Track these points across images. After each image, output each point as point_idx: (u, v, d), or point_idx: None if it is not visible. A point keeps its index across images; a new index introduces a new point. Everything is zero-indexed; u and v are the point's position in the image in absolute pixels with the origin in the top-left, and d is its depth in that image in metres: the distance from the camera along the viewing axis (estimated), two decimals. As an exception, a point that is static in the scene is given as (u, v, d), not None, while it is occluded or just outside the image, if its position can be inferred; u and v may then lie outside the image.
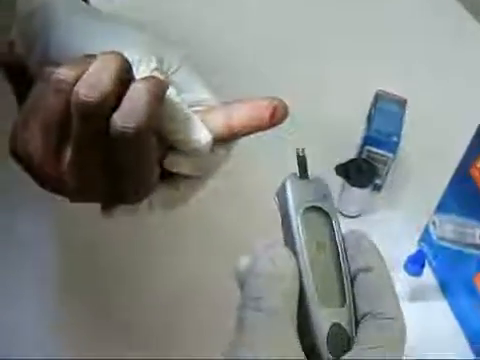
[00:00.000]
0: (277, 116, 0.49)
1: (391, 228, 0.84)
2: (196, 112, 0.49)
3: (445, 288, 0.79)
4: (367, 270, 0.40)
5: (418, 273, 0.74)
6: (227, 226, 0.79)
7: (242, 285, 0.40)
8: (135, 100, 0.44)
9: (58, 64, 0.46)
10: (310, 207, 0.42)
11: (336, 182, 0.83)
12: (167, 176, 0.50)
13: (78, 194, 0.47)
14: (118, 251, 0.75)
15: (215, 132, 0.49)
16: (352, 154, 0.88)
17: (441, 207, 0.78)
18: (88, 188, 0.47)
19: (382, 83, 0.93)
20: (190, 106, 0.50)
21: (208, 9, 1.09)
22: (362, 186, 0.81)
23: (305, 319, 0.39)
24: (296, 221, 0.41)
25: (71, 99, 0.44)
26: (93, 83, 0.43)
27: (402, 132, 0.85)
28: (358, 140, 0.88)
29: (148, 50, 0.50)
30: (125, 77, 0.45)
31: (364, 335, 0.38)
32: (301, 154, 0.43)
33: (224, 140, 0.50)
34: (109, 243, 0.75)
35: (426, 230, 0.81)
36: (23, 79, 0.52)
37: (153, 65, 0.49)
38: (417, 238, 0.83)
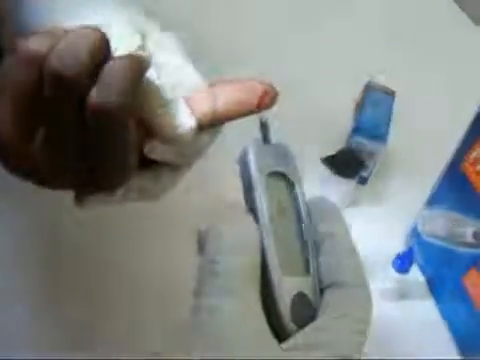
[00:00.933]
0: (266, 100, 0.46)
1: (377, 223, 0.81)
2: (179, 95, 0.46)
3: (432, 287, 0.76)
4: (330, 237, 0.39)
5: (406, 270, 0.71)
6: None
7: (202, 249, 0.39)
8: (113, 75, 0.40)
9: (30, 36, 0.42)
10: (273, 172, 0.41)
11: (323, 173, 0.79)
12: (146, 164, 0.47)
13: (50, 179, 0.44)
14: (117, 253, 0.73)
15: (199, 117, 0.45)
16: (340, 145, 0.85)
17: (430, 202, 0.76)
18: (60, 172, 0.43)
19: (373, 74, 0.91)
20: (173, 89, 0.46)
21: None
22: (348, 177, 0.78)
23: (267, 288, 0.38)
24: (258, 186, 0.40)
25: (44, 71, 0.40)
26: (68, 54, 0.40)
27: (390, 124, 0.83)
28: (346, 131, 0.85)
29: (131, 25, 0.46)
30: (103, 53, 0.42)
31: (329, 304, 0.38)
32: (264, 120, 0.43)
33: (209, 125, 0.46)
34: (107, 244, 0.73)
35: (414, 226, 0.78)
36: None
37: (136, 42, 0.46)
38: (404, 234, 0.81)
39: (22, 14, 0.48)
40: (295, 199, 0.41)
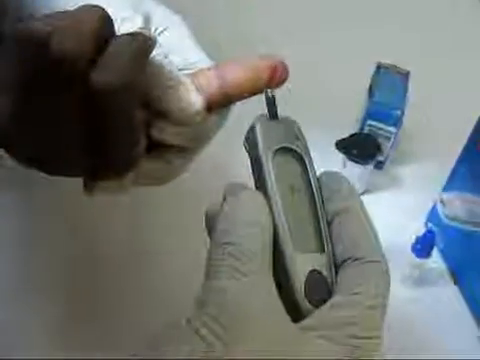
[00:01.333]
0: (277, 77, 0.44)
1: (395, 208, 0.79)
2: (186, 75, 0.44)
3: (454, 271, 0.74)
4: (344, 212, 0.38)
5: (427, 255, 0.69)
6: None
7: (210, 231, 0.38)
8: (115, 54, 0.39)
9: (30, 19, 0.40)
10: (281, 148, 0.40)
11: (337, 158, 0.78)
12: (154, 148, 0.45)
13: (55, 166, 0.42)
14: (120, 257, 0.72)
15: (208, 97, 0.44)
16: (353, 129, 0.83)
17: (450, 185, 0.73)
18: (65, 158, 0.41)
19: (383, 54, 0.88)
20: (180, 69, 0.44)
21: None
22: (364, 162, 0.76)
23: (280, 267, 0.37)
24: (267, 163, 0.39)
25: (45, 53, 0.38)
26: (70, 33, 0.38)
27: (406, 105, 0.80)
28: (360, 114, 0.83)
29: (133, 8, 0.45)
30: (106, 32, 0.40)
31: (345, 281, 0.36)
32: (270, 95, 0.41)
33: (218, 105, 0.45)
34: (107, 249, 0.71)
35: (433, 209, 0.76)
36: None
37: (138, 24, 0.44)
38: (423, 218, 0.78)
39: (24, 3, 0.46)
40: (306, 174, 0.39)
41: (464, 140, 0.70)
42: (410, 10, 1.06)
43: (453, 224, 0.73)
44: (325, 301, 0.36)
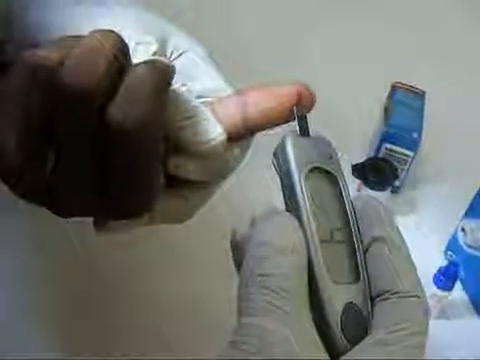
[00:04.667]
0: (303, 105, 0.40)
1: (412, 235, 0.75)
2: (205, 104, 0.41)
3: (477, 302, 0.70)
4: (382, 240, 0.35)
5: (449, 287, 0.66)
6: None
7: (239, 258, 0.35)
8: (136, 87, 0.35)
9: (38, 46, 0.36)
10: (314, 168, 0.37)
11: (352, 183, 0.74)
12: (171, 182, 0.41)
13: (66, 207, 0.38)
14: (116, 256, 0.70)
15: (229, 128, 0.40)
16: (370, 153, 0.80)
17: (471, 211, 0.70)
18: (78, 200, 0.37)
19: (397, 75, 0.85)
20: (198, 97, 0.41)
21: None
22: (381, 188, 0.73)
23: (315, 299, 0.34)
24: (300, 183, 0.36)
25: (56, 86, 0.34)
26: (83, 64, 0.34)
27: (423, 127, 0.77)
28: (373, 137, 0.80)
29: (147, 31, 0.41)
30: (122, 61, 0.36)
31: (385, 316, 0.34)
32: (300, 111, 0.39)
33: (239, 137, 0.41)
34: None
35: (454, 237, 0.73)
36: None
37: (153, 48, 0.40)
38: (443, 247, 0.75)
39: (31, 17, 0.44)
40: (340, 197, 0.36)
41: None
42: (424, 29, 1.04)
43: (474, 253, 0.70)
44: (360, 336, 0.33)
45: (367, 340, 0.33)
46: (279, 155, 0.37)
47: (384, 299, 0.34)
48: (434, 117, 0.80)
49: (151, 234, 0.55)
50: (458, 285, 0.71)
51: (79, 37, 0.36)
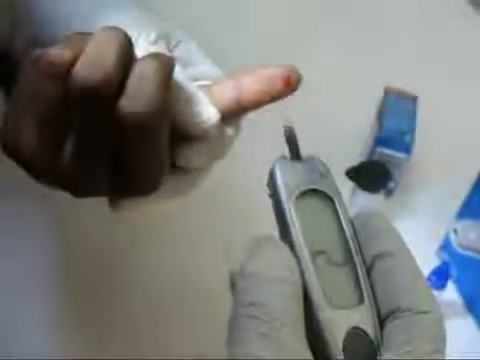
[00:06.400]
0: (291, 84, 0.44)
1: (406, 236, 0.76)
2: (201, 87, 0.44)
3: (470, 302, 0.71)
4: (385, 256, 0.33)
5: (442, 286, 0.67)
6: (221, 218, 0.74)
7: (234, 289, 0.34)
8: (143, 81, 0.39)
9: (47, 45, 0.40)
10: (306, 191, 0.36)
11: (346, 187, 0.75)
12: (171, 164, 0.45)
13: (81, 189, 0.42)
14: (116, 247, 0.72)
15: (224, 108, 0.44)
16: (362, 156, 0.81)
17: (463, 212, 0.71)
18: (92, 183, 0.41)
19: (389, 79, 0.86)
20: (195, 80, 0.45)
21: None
22: (374, 190, 0.74)
23: (314, 328, 0.32)
24: (289, 210, 0.35)
25: (69, 84, 0.38)
26: (94, 63, 0.38)
27: (415, 131, 0.79)
28: (368, 141, 0.81)
29: (147, 24, 0.45)
30: (128, 56, 0.40)
31: (393, 338, 0.31)
32: (290, 133, 0.38)
33: (232, 117, 0.45)
34: (105, 240, 0.72)
35: (446, 238, 0.74)
36: (3, 65, 0.46)
37: (152, 38, 0.44)
38: (436, 248, 0.76)
39: (38, 16, 0.46)
40: (337, 217, 0.35)
41: (477, 165, 0.68)
42: (417, 34, 1.04)
43: (467, 253, 0.71)
44: None
45: None
46: (269, 183, 0.37)
47: (393, 319, 0.32)
48: (426, 121, 0.82)
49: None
50: (451, 286, 0.72)
51: (87, 35, 0.40)
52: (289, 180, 0.36)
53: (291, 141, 0.38)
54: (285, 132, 0.38)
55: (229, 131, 0.45)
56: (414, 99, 0.84)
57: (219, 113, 0.43)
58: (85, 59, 0.38)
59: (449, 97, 0.91)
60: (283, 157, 0.37)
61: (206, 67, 0.46)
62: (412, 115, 0.81)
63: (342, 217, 0.35)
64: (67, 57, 0.38)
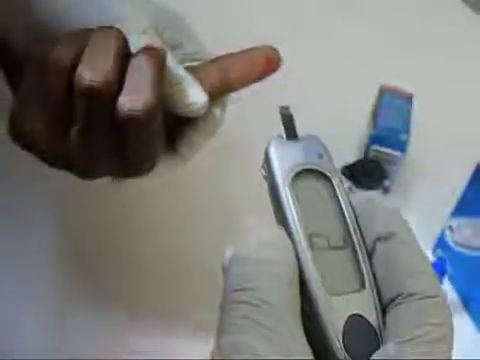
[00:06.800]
0: (271, 64, 0.48)
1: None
2: (190, 68, 0.48)
3: (466, 300, 0.72)
4: (387, 237, 0.31)
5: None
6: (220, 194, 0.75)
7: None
8: (139, 79, 0.43)
9: (49, 40, 0.44)
10: (302, 171, 0.34)
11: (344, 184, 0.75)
12: (168, 146, 0.50)
13: (87, 173, 0.47)
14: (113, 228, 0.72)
15: (211, 89, 0.47)
16: (358, 154, 0.81)
17: (458, 210, 0.71)
18: (96, 167, 0.46)
19: (385, 77, 0.86)
20: (183, 61, 0.49)
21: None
22: (370, 188, 0.74)
23: (311, 315, 0.30)
24: (284, 191, 0.33)
25: (75, 83, 0.42)
26: (96, 65, 0.42)
27: (410, 129, 0.79)
28: (363, 139, 0.81)
29: (137, 11, 0.48)
30: (125, 54, 0.44)
31: (396, 324, 0.30)
32: (285, 113, 0.36)
33: (219, 96, 0.49)
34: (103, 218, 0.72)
35: (442, 236, 0.74)
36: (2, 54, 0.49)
37: (143, 27, 0.47)
38: (432, 245, 0.76)
39: (37, 6, 0.47)
40: (335, 198, 0.33)
41: (472, 163, 0.68)
42: (413, 31, 1.04)
43: (462, 250, 0.71)
44: (370, 351, 0.29)
45: (377, 355, 0.29)
46: (264, 163, 0.35)
47: (396, 304, 0.30)
48: (422, 118, 0.82)
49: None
50: (447, 283, 0.72)
51: (85, 32, 0.44)
52: (285, 160, 0.34)
53: (287, 120, 0.36)
54: (280, 110, 0.37)
55: (217, 110, 0.49)
56: (410, 97, 0.84)
57: (207, 95, 0.46)
58: (87, 61, 0.42)
59: (444, 95, 0.91)
60: (279, 136, 0.36)
61: (194, 48, 0.50)
62: (407, 113, 0.82)
63: (341, 198, 0.33)
64: (70, 55, 0.43)
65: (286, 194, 0.33)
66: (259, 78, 0.48)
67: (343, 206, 0.33)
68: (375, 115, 0.82)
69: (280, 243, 0.32)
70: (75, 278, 0.69)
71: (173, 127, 0.48)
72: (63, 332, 0.65)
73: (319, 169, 0.34)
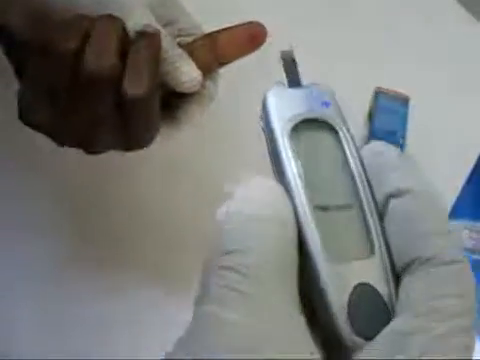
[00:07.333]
0: (258, 39, 0.51)
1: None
2: (184, 44, 0.51)
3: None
4: (402, 194, 0.27)
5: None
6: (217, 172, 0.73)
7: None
8: (139, 63, 0.46)
9: (49, 27, 0.46)
10: (304, 121, 0.30)
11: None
12: (167, 114, 0.53)
13: (91, 148, 0.50)
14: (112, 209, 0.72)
15: (202, 65, 0.50)
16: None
17: (454, 213, 0.71)
18: (100, 142, 0.50)
19: (381, 80, 0.86)
20: (177, 36, 0.52)
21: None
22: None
23: (312, 285, 0.27)
24: (283, 142, 0.29)
25: (80, 70, 0.45)
26: (100, 53, 0.45)
27: (406, 132, 0.78)
28: (359, 142, 0.81)
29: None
30: (125, 42, 0.47)
31: (411, 295, 0.25)
32: (288, 57, 0.33)
33: (210, 71, 0.52)
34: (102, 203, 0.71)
35: (438, 239, 0.73)
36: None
37: (141, 2, 0.50)
38: (428, 248, 0.75)
39: None
40: (342, 151, 0.30)
41: (467, 166, 0.68)
42: (409, 34, 1.04)
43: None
44: (379, 326, 0.25)
45: (387, 330, 0.25)
46: (262, 113, 0.32)
47: (411, 272, 0.26)
48: (418, 122, 0.81)
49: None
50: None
51: (85, 18, 0.47)
52: (284, 109, 0.31)
53: (288, 65, 0.33)
54: (282, 55, 0.34)
55: (210, 84, 0.53)
56: (406, 100, 0.84)
57: (200, 73, 0.50)
58: (92, 50, 0.45)
59: (441, 98, 0.91)
60: (280, 83, 0.32)
61: (187, 24, 0.52)
62: (403, 116, 0.81)
63: (348, 151, 0.30)
64: (73, 45, 0.45)
65: (285, 146, 0.29)
66: (247, 52, 0.52)
67: (350, 160, 0.30)
68: (371, 118, 0.81)
69: (277, 200, 0.28)
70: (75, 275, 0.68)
71: (170, 100, 0.52)
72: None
73: (323, 119, 0.31)
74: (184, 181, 0.70)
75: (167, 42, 0.49)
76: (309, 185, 0.28)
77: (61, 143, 0.50)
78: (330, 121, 0.31)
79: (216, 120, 0.65)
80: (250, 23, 0.52)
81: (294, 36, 0.99)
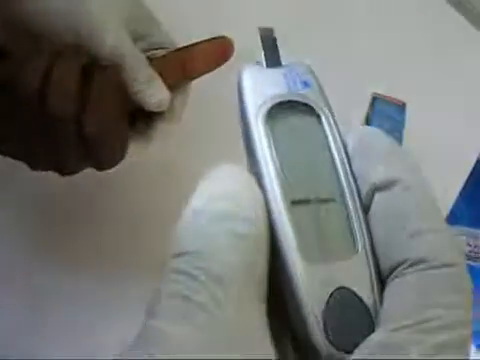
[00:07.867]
0: (226, 55, 0.52)
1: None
2: (154, 58, 0.52)
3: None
4: (389, 186, 0.24)
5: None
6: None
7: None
8: (98, 101, 0.47)
9: (14, 62, 0.47)
10: (281, 104, 0.27)
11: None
12: (137, 131, 0.54)
13: (64, 173, 0.51)
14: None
15: (172, 81, 0.52)
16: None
17: (451, 218, 0.71)
18: (73, 168, 0.51)
19: (377, 85, 0.86)
20: (149, 49, 0.53)
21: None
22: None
23: (287, 291, 0.23)
24: (256, 127, 0.26)
25: (43, 109, 0.46)
26: (61, 96, 0.46)
27: (403, 137, 0.78)
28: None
29: (106, 5, 0.50)
30: (89, 73, 0.47)
31: (397, 303, 0.22)
32: (267, 35, 0.29)
33: (179, 86, 0.53)
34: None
35: (434, 245, 0.73)
36: None
37: (112, 19, 0.49)
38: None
39: (13, 5, 0.49)
40: (324, 137, 0.27)
41: (465, 172, 0.68)
42: (406, 40, 1.04)
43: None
44: (360, 336, 0.22)
45: (368, 342, 0.21)
46: (238, 95, 0.28)
47: (398, 275, 0.23)
48: (415, 127, 0.81)
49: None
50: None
51: (52, 54, 0.47)
52: (259, 90, 0.27)
53: (268, 44, 0.30)
54: (261, 32, 0.30)
55: (180, 99, 0.54)
56: (403, 106, 0.84)
57: (169, 93, 0.51)
58: (53, 92, 0.46)
59: (437, 104, 0.91)
60: (256, 63, 0.29)
61: (160, 38, 0.54)
62: (400, 122, 0.81)
63: (330, 137, 0.27)
64: (35, 87, 0.45)
65: (258, 132, 0.26)
66: (216, 67, 0.52)
67: (332, 147, 0.27)
68: (368, 123, 0.81)
69: (246, 193, 0.24)
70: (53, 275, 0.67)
71: (142, 116, 0.53)
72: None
73: (303, 101, 0.28)
74: (174, 185, 0.70)
75: (138, 62, 0.50)
76: (284, 175, 0.25)
77: (35, 168, 0.51)
78: (310, 103, 0.28)
79: (205, 122, 0.65)
80: (219, 38, 0.52)
81: (290, 40, 0.99)
